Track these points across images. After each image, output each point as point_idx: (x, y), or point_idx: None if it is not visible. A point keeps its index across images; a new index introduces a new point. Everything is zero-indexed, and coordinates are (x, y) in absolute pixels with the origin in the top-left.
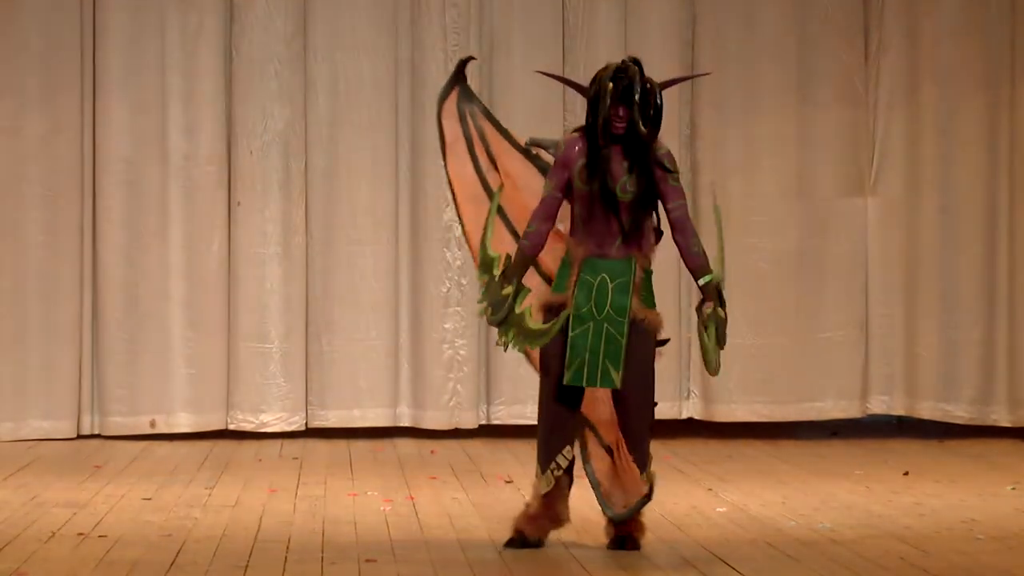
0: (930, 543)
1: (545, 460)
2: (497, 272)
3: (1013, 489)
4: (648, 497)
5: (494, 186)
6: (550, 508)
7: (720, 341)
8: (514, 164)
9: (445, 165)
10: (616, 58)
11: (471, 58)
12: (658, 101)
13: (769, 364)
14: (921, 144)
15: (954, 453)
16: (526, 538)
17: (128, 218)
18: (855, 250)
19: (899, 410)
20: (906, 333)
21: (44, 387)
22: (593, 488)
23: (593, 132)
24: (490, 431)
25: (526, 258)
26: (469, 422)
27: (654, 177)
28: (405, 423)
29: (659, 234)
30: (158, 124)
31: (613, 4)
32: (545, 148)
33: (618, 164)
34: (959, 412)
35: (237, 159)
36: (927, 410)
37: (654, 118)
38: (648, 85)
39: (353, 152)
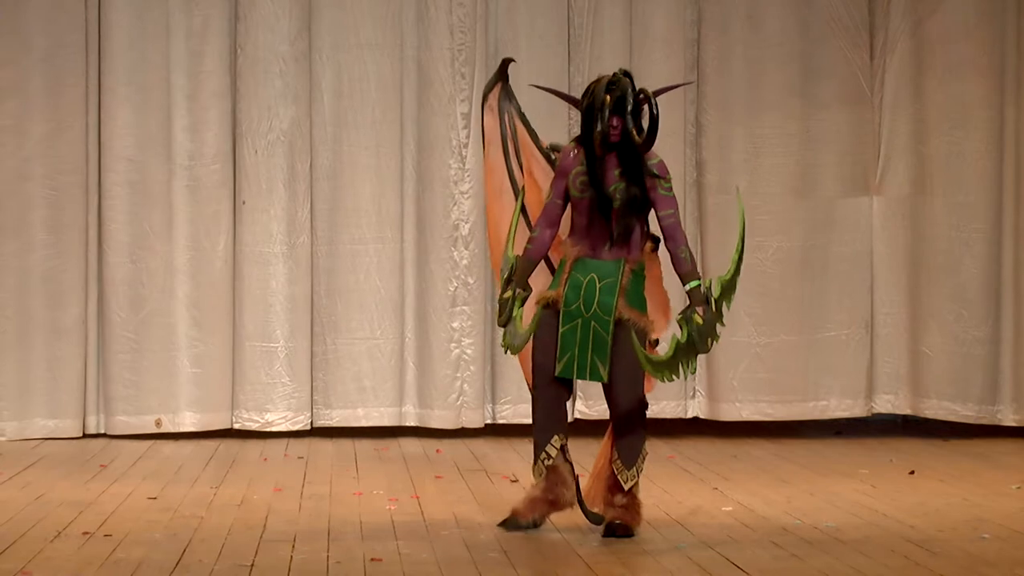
0: (935, 542)
1: (537, 451)
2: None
3: (1018, 488)
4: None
5: (519, 183)
6: (549, 491)
7: (696, 347)
8: (537, 167)
9: (484, 155)
10: (621, 58)
11: (512, 60)
12: (654, 111)
13: (774, 363)
14: (927, 143)
15: (959, 452)
16: (518, 520)
17: (133, 217)
18: (860, 249)
19: (904, 409)
20: (911, 332)
21: (49, 386)
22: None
23: (588, 141)
24: (496, 430)
25: (531, 262)
26: (475, 421)
27: (645, 185)
28: (411, 422)
29: (656, 240)
30: (163, 123)
31: (619, 4)
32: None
33: (611, 172)
34: (964, 411)
35: (242, 158)
36: (932, 409)
37: (650, 127)
38: (642, 95)
39: (358, 151)
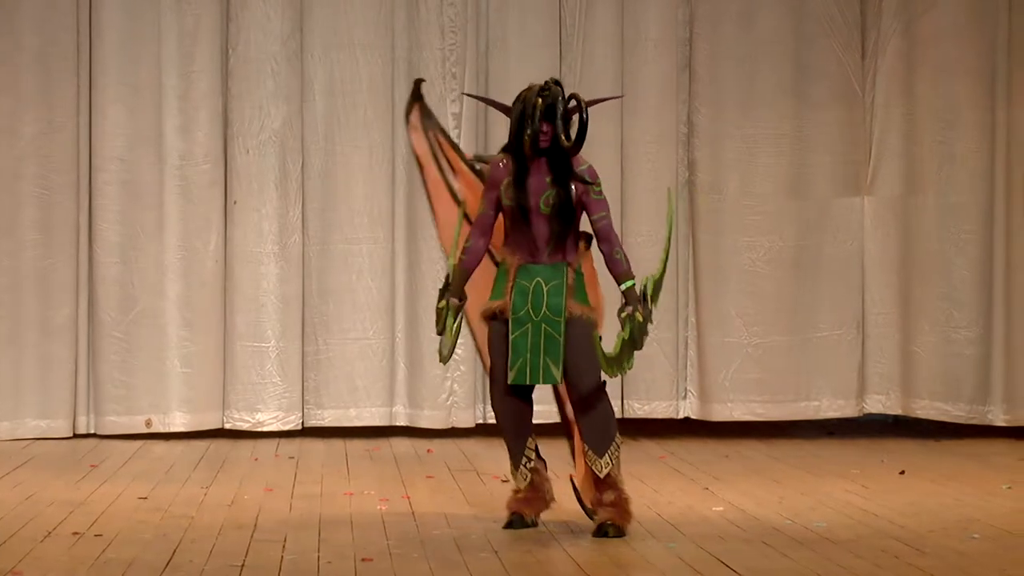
0: (926, 542)
1: (516, 458)
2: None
3: (1009, 488)
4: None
5: (459, 193)
6: (539, 490)
7: (636, 344)
8: (468, 178)
9: (421, 172)
10: (613, 57)
11: (423, 80)
12: (583, 116)
13: (766, 363)
14: (918, 143)
15: (950, 452)
16: (524, 519)
17: (124, 217)
18: (852, 249)
19: (895, 409)
20: (902, 332)
21: (40, 386)
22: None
23: (519, 149)
24: (487, 430)
25: (465, 272)
26: (466, 421)
27: (573, 191)
28: (401, 422)
29: (588, 239)
30: (154, 123)
31: (610, 3)
32: (488, 164)
33: (541, 179)
34: (955, 411)
35: (233, 158)
36: (923, 409)
37: (578, 132)
38: (573, 101)
39: (350, 151)
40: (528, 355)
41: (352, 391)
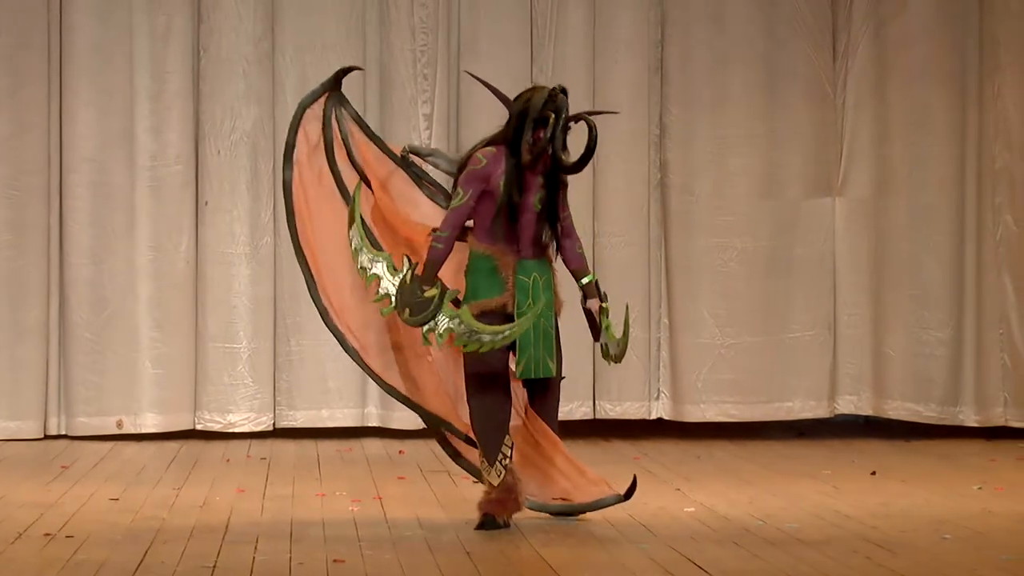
0: (897, 543)
1: (492, 454)
2: (404, 277)
3: (980, 489)
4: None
5: (350, 188)
6: (511, 491)
7: (619, 357)
8: (383, 169)
9: (287, 168)
10: (584, 59)
11: (353, 68)
12: (592, 144)
13: (738, 364)
14: (889, 144)
15: (921, 453)
16: (496, 520)
17: (95, 218)
18: (823, 250)
19: (867, 410)
20: (874, 333)
21: (10, 387)
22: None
23: (516, 147)
24: None
25: (439, 261)
26: None
27: (560, 193)
28: (373, 423)
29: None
30: (125, 124)
31: (582, 4)
32: (422, 156)
33: (534, 177)
34: (926, 412)
35: (205, 159)
36: (894, 410)
37: (584, 156)
38: (576, 120)
39: None
40: (532, 350)
41: (324, 392)
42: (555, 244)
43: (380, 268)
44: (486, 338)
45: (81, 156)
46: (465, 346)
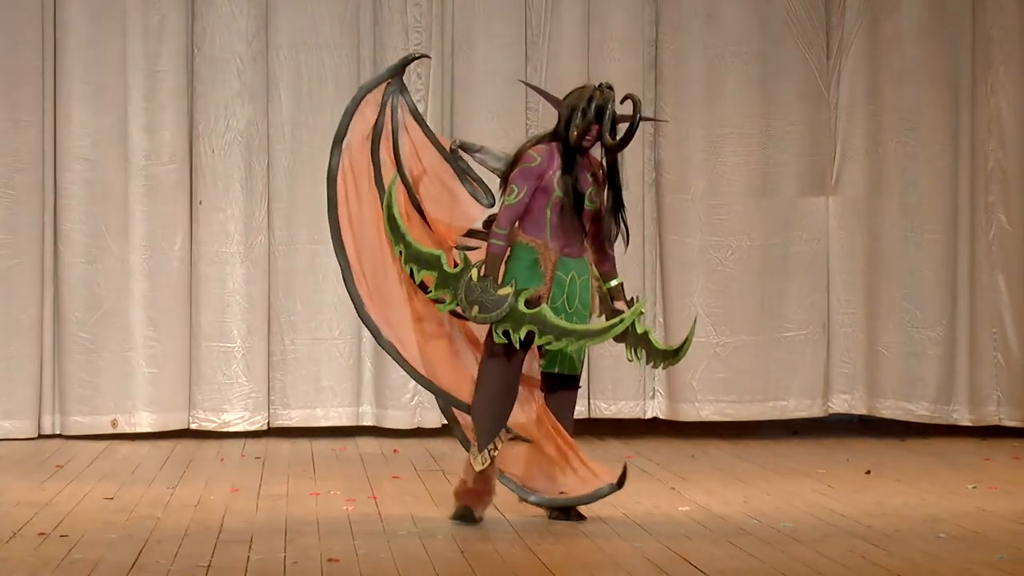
0: (892, 542)
1: (485, 441)
2: (465, 273)
3: (974, 488)
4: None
5: (386, 179)
6: (488, 483)
7: (673, 360)
8: (430, 160)
9: (335, 154)
10: (579, 58)
11: (423, 56)
12: (636, 122)
13: (733, 363)
14: (882, 143)
15: (915, 452)
16: (472, 514)
17: (89, 217)
18: (817, 249)
19: (861, 409)
20: (868, 332)
21: (4, 387)
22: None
23: (567, 144)
24: (452, 430)
25: (500, 257)
26: (432, 421)
27: (620, 192)
28: (368, 422)
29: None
30: (119, 123)
31: (576, 3)
32: (471, 152)
33: (585, 175)
34: (920, 411)
35: (199, 158)
36: (888, 409)
37: (627, 133)
38: (627, 102)
39: (316, 151)
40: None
41: (318, 391)
42: (594, 242)
43: (434, 263)
44: (576, 336)
45: (75, 154)
46: (549, 344)
